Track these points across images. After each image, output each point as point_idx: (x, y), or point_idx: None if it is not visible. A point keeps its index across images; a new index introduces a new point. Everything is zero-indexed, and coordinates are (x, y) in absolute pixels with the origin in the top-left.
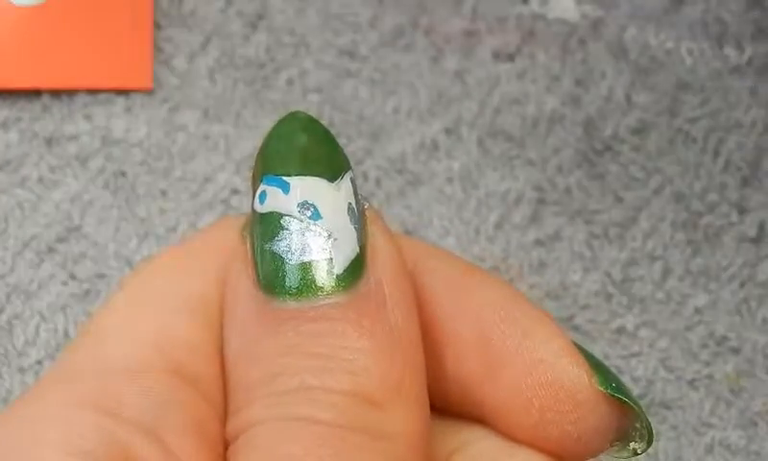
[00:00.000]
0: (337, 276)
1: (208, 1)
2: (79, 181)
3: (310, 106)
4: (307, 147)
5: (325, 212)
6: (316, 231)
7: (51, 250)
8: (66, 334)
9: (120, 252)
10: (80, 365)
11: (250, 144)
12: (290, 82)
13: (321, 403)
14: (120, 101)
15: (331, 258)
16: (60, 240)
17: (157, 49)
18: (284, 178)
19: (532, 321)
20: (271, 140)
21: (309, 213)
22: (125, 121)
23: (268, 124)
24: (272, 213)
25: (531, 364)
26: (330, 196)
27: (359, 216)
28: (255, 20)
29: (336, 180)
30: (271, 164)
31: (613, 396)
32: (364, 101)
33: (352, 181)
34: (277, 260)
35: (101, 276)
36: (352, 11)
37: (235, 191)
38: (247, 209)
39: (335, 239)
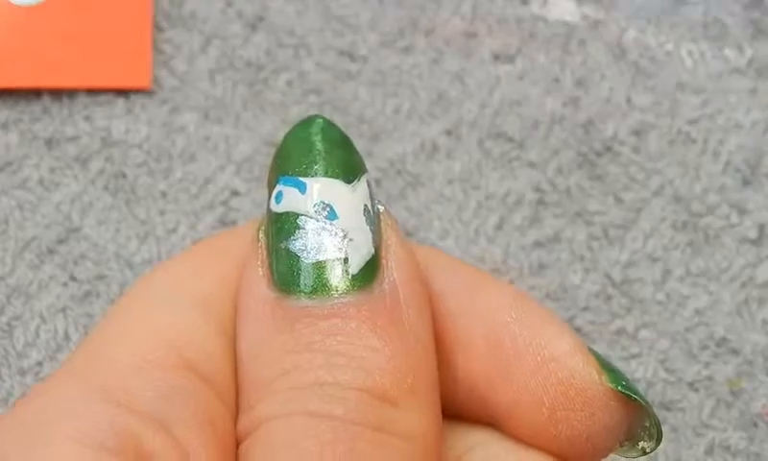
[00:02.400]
0: (352, 276)
1: (208, 2)
2: (79, 182)
3: (310, 107)
4: (324, 149)
5: (342, 213)
6: (332, 231)
7: (51, 251)
8: (66, 336)
9: (120, 253)
10: (92, 359)
11: (249, 145)
12: (290, 83)
13: (335, 399)
14: (120, 102)
15: (347, 258)
16: (60, 241)
17: (158, 50)
18: (301, 178)
19: (542, 321)
20: (288, 142)
21: (326, 213)
22: (125, 122)
23: (268, 125)
24: (288, 213)
25: (541, 363)
26: (347, 197)
27: (374, 218)
28: (255, 22)
29: (352, 181)
30: (288, 165)
31: (624, 393)
32: (364, 102)
33: (368, 183)
34: (293, 259)
35: (101, 277)
36: (352, 12)
37: (235, 193)
38: (247, 211)
39: (351, 239)
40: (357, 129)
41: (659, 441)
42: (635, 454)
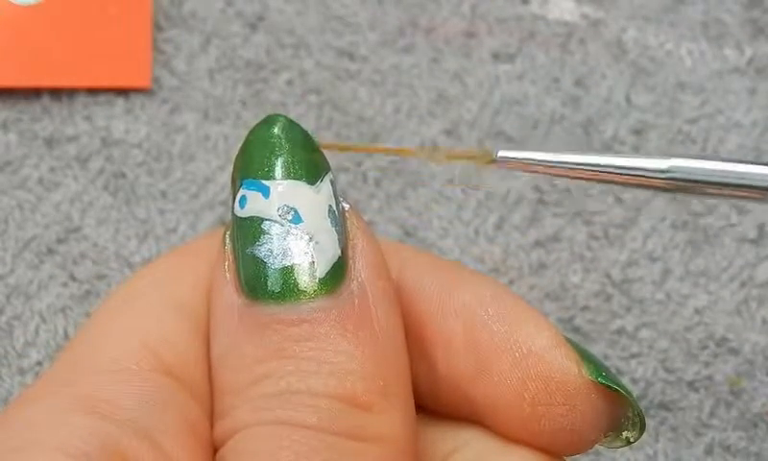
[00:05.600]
0: (319, 279)
1: (208, 2)
2: (79, 182)
3: (310, 107)
4: (286, 150)
5: (306, 216)
6: (297, 235)
7: (51, 251)
8: (66, 335)
9: (120, 253)
10: (73, 367)
11: None
12: (290, 83)
13: (307, 408)
14: (120, 102)
15: (313, 262)
16: (60, 241)
17: (158, 50)
18: (264, 182)
19: (519, 315)
20: (249, 144)
21: (290, 217)
22: (125, 122)
23: None
24: (252, 218)
25: (520, 359)
26: (310, 199)
27: (339, 217)
28: (255, 21)
29: (316, 182)
30: (250, 169)
31: (604, 384)
32: (364, 102)
33: (332, 182)
34: (259, 265)
35: (101, 277)
36: (352, 11)
37: None
38: None
39: (316, 242)
40: (357, 128)
41: (642, 430)
42: (619, 444)
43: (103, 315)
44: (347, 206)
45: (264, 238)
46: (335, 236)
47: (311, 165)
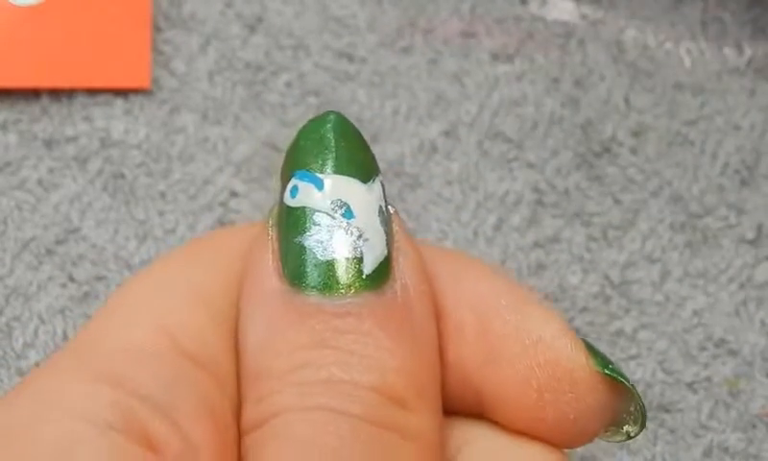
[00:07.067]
0: (366, 275)
1: (208, 3)
2: (78, 182)
3: (309, 108)
4: (341, 146)
5: (357, 212)
6: (348, 230)
7: (50, 252)
8: (65, 336)
9: (119, 254)
10: (94, 343)
11: (248, 146)
12: (288, 84)
13: (350, 397)
14: (119, 103)
15: (361, 258)
16: (59, 242)
17: (157, 51)
18: (318, 174)
19: (531, 306)
20: (304, 137)
21: (342, 211)
22: (124, 123)
23: (267, 127)
24: (303, 208)
25: (529, 345)
26: (363, 196)
27: (387, 219)
28: (254, 23)
29: (368, 181)
30: (304, 160)
31: (610, 376)
32: (362, 103)
33: (382, 184)
34: (307, 255)
35: (100, 278)
36: (351, 12)
37: (234, 194)
38: (246, 212)
39: (366, 239)
40: None
41: (643, 425)
42: (619, 438)
43: (121, 298)
44: (392, 210)
45: (314, 229)
46: (383, 236)
47: (364, 164)
